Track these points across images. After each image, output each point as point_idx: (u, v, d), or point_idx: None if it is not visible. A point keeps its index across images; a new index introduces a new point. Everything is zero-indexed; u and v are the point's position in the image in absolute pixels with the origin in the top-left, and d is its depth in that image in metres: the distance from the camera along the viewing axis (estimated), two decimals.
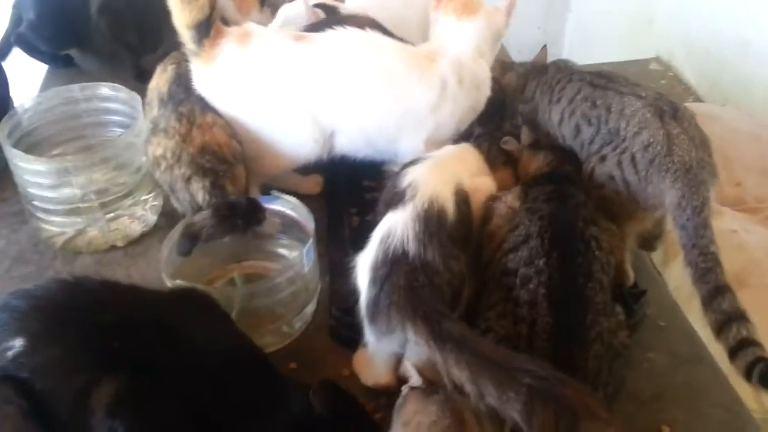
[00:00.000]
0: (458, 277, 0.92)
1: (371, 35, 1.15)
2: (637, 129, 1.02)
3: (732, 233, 1.59)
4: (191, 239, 1.02)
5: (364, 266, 0.93)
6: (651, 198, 1.01)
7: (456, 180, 0.99)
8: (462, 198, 0.99)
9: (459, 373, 0.77)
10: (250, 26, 1.17)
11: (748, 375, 0.84)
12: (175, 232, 1.07)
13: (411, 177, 0.98)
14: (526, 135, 1.16)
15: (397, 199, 0.96)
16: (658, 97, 1.06)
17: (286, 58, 1.13)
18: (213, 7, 1.10)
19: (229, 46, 1.13)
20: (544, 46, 1.35)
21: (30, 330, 0.75)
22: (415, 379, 0.86)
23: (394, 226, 0.92)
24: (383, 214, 0.96)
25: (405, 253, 0.89)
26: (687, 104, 1.82)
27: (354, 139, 1.17)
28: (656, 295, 1.13)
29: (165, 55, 1.27)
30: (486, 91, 1.21)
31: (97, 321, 0.78)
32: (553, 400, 0.72)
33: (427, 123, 1.16)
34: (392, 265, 0.89)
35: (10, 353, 0.74)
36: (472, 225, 1.01)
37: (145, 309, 0.85)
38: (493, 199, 1.03)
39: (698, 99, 2.27)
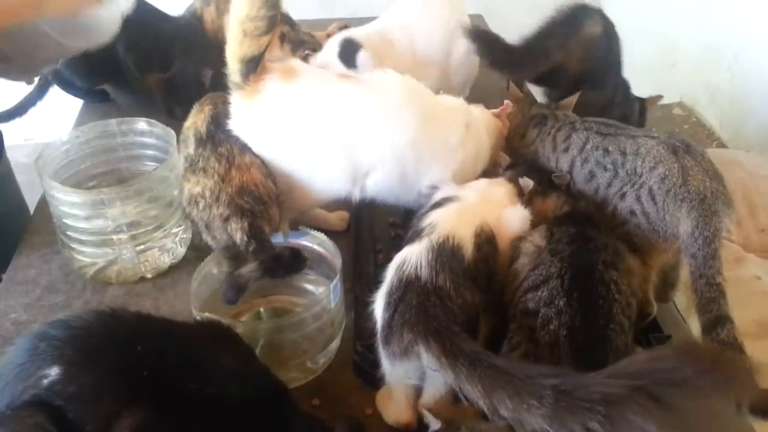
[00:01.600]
0: (471, 306, 0.94)
1: (409, 78, 1.19)
2: (653, 164, 1.06)
3: (756, 280, 1.57)
4: (238, 290, 1.04)
5: (380, 295, 0.95)
6: (669, 227, 1.04)
7: (479, 221, 1.01)
8: (485, 239, 1.00)
9: (472, 389, 0.77)
10: (294, 63, 1.18)
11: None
12: (205, 266, 1.10)
13: (432, 218, 1.02)
14: (526, 184, 1.17)
15: (414, 236, 1.00)
16: (670, 136, 1.11)
17: (332, 95, 1.15)
18: (270, 43, 1.11)
19: (273, 82, 1.13)
20: (579, 91, 1.38)
21: (66, 359, 0.77)
22: (434, 425, 0.87)
23: (409, 256, 0.95)
24: None
25: (418, 277, 0.92)
26: (710, 149, 1.83)
27: (389, 174, 1.18)
28: (681, 341, 1.12)
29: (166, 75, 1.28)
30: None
31: (129, 351, 0.80)
32: (583, 397, 0.70)
33: (456, 155, 1.20)
34: (405, 288, 0.91)
35: (46, 381, 0.75)
36: (495, 265, 1.02)
37: (174, 341, 0.87)
38: (520, 238, 1.04)
39: (722, 144, 2.26)
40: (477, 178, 1.22)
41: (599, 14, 1.51)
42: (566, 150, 1.19)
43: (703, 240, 0.99)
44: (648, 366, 0.72)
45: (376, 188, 1.18)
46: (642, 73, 2.29)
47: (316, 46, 1.67)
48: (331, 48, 1.50)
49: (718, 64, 2.28)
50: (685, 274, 1.08)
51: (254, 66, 1.11)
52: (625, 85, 1.64)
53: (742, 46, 2.17)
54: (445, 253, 0.95)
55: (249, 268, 1.07)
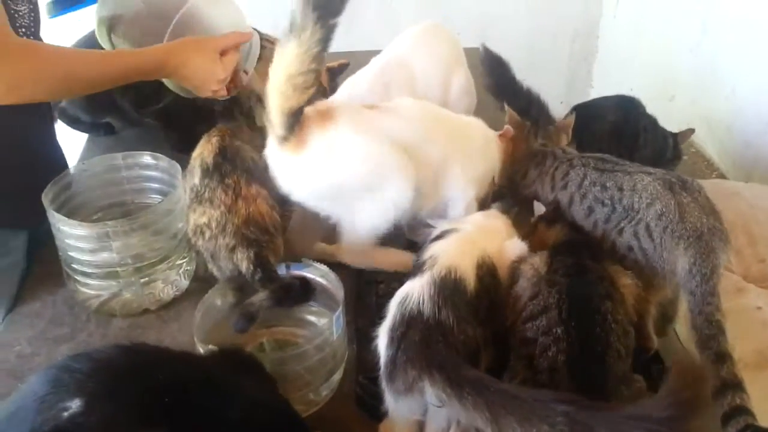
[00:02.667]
0: (473, 340, 0.95)
1: (426, 102, 1.28)
2: (650, 200, 1.08)
3: (757, 310, 1.57)
4: (249, 319, 1.06)
5: (383, 331, 0.96)
6: (667, 264, 1.05)
7: (480, 253, 1.02)
8: (487, 271, 1.02)
9: (479, 416, 0.77)
10: (325, 103, 1.18)
11: None
12: (209, 298, 1.11)
13: (433, 250, 1.03)
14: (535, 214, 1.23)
15: (416, 269, 1.01)
16: (666, 173, 1.13)
17: (373, 129, 1.17)
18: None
19: (315, 128, 1.13)
20: (573, 111, 1.42)
21: (88, 391, 0.77)
22: None
23: (411, 291, 0.96)
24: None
25: (420, 313, 0.92)
26: (710, 180, 1.84)
27: (424, 187, 1.22)
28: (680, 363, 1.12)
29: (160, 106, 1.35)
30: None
31: (150, 381, 0.81)
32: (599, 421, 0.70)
33: (478, 164, 1.29)
34: (408, 324, 0.92)
35: (66, 414, 0.75)
36: (499, 296, 1.03)
37: (194, 369, 0.88)
38: (520, 260, 1.06)
39: (721, 175, 2.27)
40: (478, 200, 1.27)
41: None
42: (565, 187, 1.22)
43: (701, 277, 0.99)
44: (668, 413, 0.71)
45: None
46: None
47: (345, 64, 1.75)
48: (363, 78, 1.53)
49: (716, 96, 2.30)
50: (683, 307, 1.09)
51: (298, 117, 1.11)
52: (651, 124, 1.66)
53: (739, 79, 2.20)
54: (448, 287, 0.95)
55: (260, 297, 1.08)
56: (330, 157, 1.14)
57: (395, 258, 1.29)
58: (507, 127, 1.38)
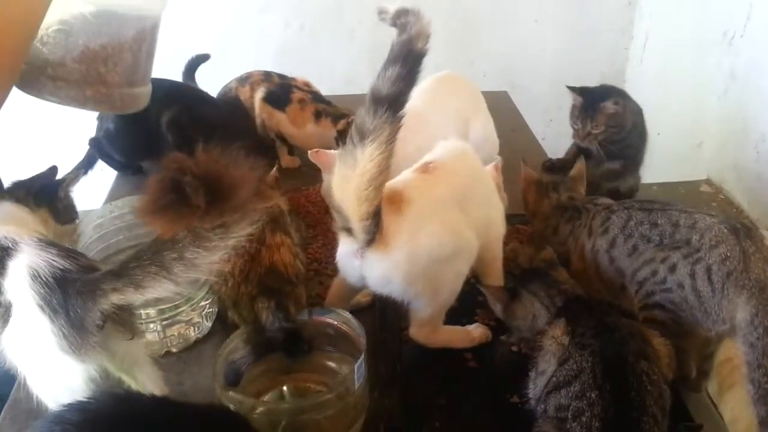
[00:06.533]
0: None
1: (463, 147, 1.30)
2: (714, 242, 1.05)
3: None
4: (235, 374, 1.06)
5: None
6: (724, 311, 1.03)
7: None
8: None
9: None
10: (387, 188, 1.13)
11: None
12: (230, 342, 1.10)
13: None
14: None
15: None
16: (729, 217, 1.11)
17: (439, 199, 1.17)
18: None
19: (391, 217, 1.11)
20: (580, 157, 1.44)
21: None
22: None
23: None
24: None
25: None
26: None
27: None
28: (712, 430, 1.10)
29: None
30: None
31: None
32: None
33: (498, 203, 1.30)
34: None
35: None
36: None
37: (185, 427, 0.87)
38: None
39: (751, 223, 2.25)
40: None
41: None
42: (605, 232, 1.21)
43: (763, 329, 0.98)
44: None
45: None
46: (667, 150, 2.31)
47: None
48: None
49: (745, 144, 2.28)
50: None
51: (378, 216, 1.08)
52: None
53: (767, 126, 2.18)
54: None
55: (240, 354, 1.08)
56: (416, 240, 1.12)
57: (466, 335, 1.27)
58: (497, 159, 1.40)
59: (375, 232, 1.09)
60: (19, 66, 1.10)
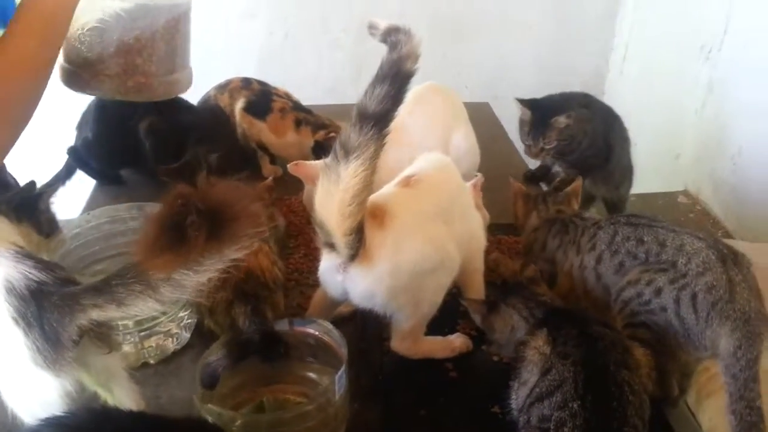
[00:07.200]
0: None
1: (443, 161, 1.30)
2: (702, 269, 1.04)
3: None
4: (210, 376, 1.04)
5: None
6: (707, 339, 1.02)
7: None
8: None
9: None
10: (370, 202, 1.12)
11: None
12: (209, 353, 1.08)
13: None
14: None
15: None
16: (717, 241, 1.09)
17: (423, 213, 1.16)
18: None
19: (374, 231, 1.10)
20: (579, 177, 1.43)
21: None
22: None
23: None
24: None
25: None
26: None
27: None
28: None
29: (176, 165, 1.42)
30: None
31: None
32: None
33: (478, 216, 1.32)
34: None
35: None
36: None
37: None
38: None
39: (727, 233, 2.27)
40: None
41: None
42: (592, 248, 1.21)
43: (746, 362, 0.97)
44: None
45: None
46: (646, 161, 2.33)
47: (335, 129, 1.74)
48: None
49: (721, 156, 2.31)
50: None
51: (360, 234, 1.07)
52: None
53: (746, 139, 2.21)
54: None
55: (216, 355, 1.06)
56: (399, 254, 1.11)
57: (447, 345, 1.26)
58: (479, 175, 1.39)
59: (358, 247, 1.08)
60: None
